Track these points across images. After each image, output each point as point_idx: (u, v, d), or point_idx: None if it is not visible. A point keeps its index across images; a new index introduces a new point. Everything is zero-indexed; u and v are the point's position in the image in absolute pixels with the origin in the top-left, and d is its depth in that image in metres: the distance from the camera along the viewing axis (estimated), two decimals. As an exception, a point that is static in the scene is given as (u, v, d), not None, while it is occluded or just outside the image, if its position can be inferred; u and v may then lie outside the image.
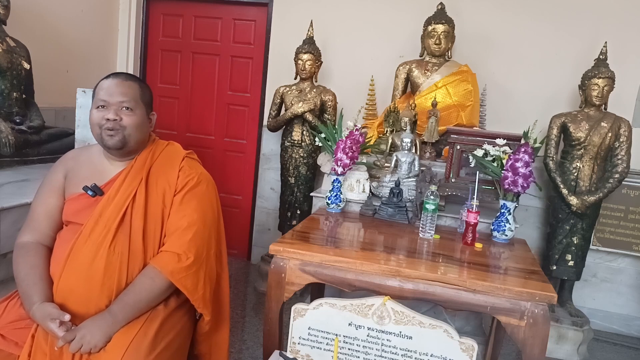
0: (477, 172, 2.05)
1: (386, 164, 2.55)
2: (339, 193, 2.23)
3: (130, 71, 3.92)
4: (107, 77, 1.49)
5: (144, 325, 1.34)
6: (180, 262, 1.40)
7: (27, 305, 1.33)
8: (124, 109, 1.45)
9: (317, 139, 2.52)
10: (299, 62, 3.13)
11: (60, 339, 1.24)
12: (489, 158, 2.15)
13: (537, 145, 2.12)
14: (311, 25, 3.20)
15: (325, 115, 3.18)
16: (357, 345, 1.50)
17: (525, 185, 1.97)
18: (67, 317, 1.27)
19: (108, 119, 1.42)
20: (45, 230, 1.48)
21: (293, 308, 1.55)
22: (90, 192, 1.44)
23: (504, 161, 2.06)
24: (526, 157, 1.97)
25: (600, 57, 2.77)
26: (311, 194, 2.67)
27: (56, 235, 1.49)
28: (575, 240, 2.82)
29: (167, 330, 1.39)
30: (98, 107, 1.45)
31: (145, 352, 1.28)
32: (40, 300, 1.32)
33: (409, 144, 2.35)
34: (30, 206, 1.54)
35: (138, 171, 1.48)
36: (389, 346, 1.48)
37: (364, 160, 2.50)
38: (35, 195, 1.54)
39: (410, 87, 3.13)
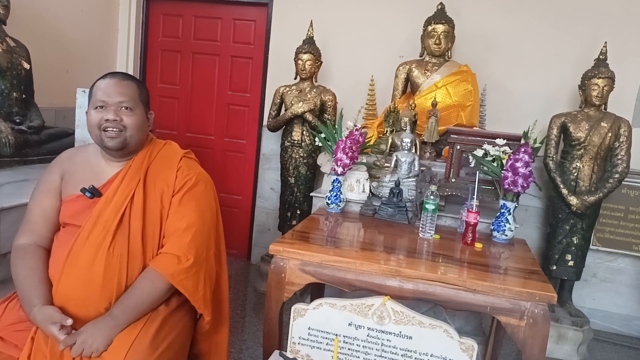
0: (477, 172, 2.05)
1: (386, 164, 2.55)
2: (339, 193, 2.23)
3: (130, 71, 3.92)
4: (104, 77, 1.48)
5: (145, 325, 1.33)
6: (180, 264, 1.39)
7: (27, 308, 1.32)
8: (124, 108, 1.44)
9: (317, 139, 2.52)
10: (299, 62, 3.13)
11: (61, 342, 1.23)
12: (489, 158, 2.15)
13: (537, 145, 2.12)
14: (311, 25, 3.20)
15: (325, 115, 3.18)
16: (357, 345, 1.50)
17: (525, 185, 1.97)
18: (70, 321, 1.26)
19: (108, 120, 1.41)
20: (42, 232, 1.47)
21: (293, 308, 1.55)
22: (87, 194, 1.43)
23: (504, 161, 2.06)
24: (526, 157, 1.97)
25: (600, 57, 2.77)
26: (311, 194, 2.67)
27: (53, 236, 1.48)
28: (575, 240, 2.82)
29: (168, 330, 1.39)
30: (96, 107, 1.43)
31: (147, 352, 1.27)
32: (40, 303, 1.31)
33: (409, 144, 2.35)
34: (26, 208, 1.53)
35: (136, 172, 1.47)
36: (389, 346, 1.48)
37: (364, 160, 2.50)
38: (31, 197, 1.52)
39: (410, 87, 3.13)
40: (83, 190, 1.44)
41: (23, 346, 1.29)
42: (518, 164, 1.97)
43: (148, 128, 1.56)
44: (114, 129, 1.42)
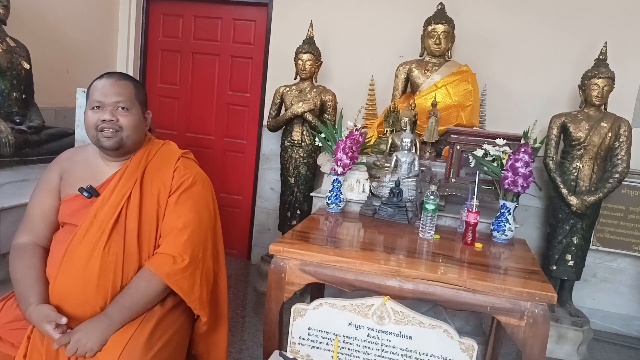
0: (477, 172, 2.05)
1: (386, 164, 2.55)
2: (339, 193, 2.23)
3: (130, 71, 3.92)
4: (101, 77, 1.48)
5: (140, 325, 1.33)
6: (175, 264, 1.39)
7: (24, 307, 1.33)
8: (120, 109, 1.44)
9: (317, 139, 2.52)
10: (299, 62, 3.13)
11: (56, 342, 1.23)
12: (489, 158, 2.15)
13: (537, 145, 2.12)
14: (311, 25, 3.20)
15: (325, 115, 3.18)
16: (357, 345, 1.50)
17: (525, 185, 1.97)
18: (64, 320, 1.26)
19: (104, 120, 1.41)
20: (41, 231, 1.48)
21: (293, 308, 1.55)
22: (85, 194, 1.44)
23: (504, 161, 2.06)
24: (526, 157, 1.97)
25: (600, 57, 2.77)
26: (311, 194, 2.67)
27: (52, 236, 1.48)
28: (575, 240, 2.82)
29: (164, 330, 1.38)
30: (93, 108, 1.43)
31: (142, 351, 1.27)
32: (36, 302, 1.31)
33: (409, 144, 2.35)
34: (26, 207, 1.53)
35: (133, 171, 1.47)
36: (389, 346, 1.48)
37: (364, 160, 2.50)
38: (30, 196, 1.53)
39: (410, 87, 3.13)
40: (81, 189, 1.44)
41: (20, 344, 1.29)
42: (518, 164, 1.97)
43: (145, 128, 1.56)
44: (110, 129, 1.42)
